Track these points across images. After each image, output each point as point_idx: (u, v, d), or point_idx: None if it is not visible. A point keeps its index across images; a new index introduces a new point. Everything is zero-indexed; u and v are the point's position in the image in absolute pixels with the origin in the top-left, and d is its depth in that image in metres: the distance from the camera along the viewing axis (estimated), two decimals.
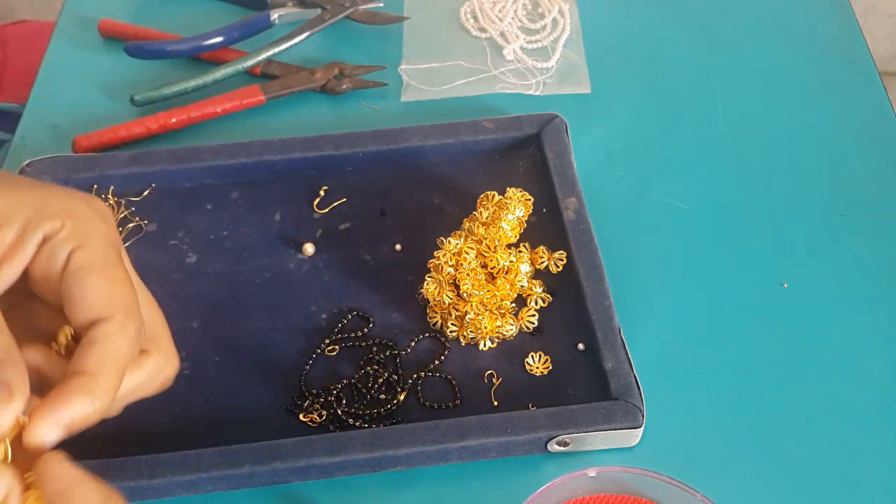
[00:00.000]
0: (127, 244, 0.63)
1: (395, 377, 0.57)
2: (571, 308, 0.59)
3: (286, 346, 0.58)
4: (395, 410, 0.55)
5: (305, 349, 0.58)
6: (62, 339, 0.40)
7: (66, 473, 0.35)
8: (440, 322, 0.59)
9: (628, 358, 0.55)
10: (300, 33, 0.74)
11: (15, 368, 0.35)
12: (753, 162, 0.68)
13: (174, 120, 0.70)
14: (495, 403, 0.56)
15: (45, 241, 0.39)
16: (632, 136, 0.70)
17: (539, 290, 0.60)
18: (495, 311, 0.58)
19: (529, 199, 0.61)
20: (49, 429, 0.35)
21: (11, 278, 0.39)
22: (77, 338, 0.38)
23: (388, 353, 0.58)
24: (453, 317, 0.58)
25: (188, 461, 0.51)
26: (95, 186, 0.66)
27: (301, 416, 0.55)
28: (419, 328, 0.59)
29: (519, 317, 0.59)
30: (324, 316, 0.60)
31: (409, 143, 0.66)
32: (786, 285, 0.61)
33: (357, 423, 0.55)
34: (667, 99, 0.73)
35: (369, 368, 0.57)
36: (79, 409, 0.36)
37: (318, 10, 0.77)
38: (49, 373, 0.39)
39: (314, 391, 0.56)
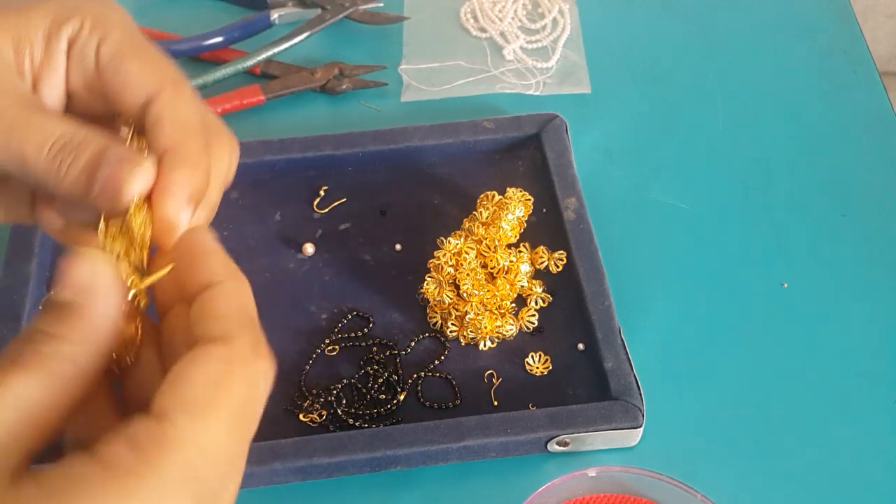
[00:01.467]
0: None
1: (395, 377, 0.57)
2: (571, 308, 0.59)
3: (286, 346, 0.58)
4: (395, 410, 0.55)
5: (305, 349, 0.58)
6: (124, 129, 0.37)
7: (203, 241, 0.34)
8: (440, 322, 0.59)
9: (628, 358, 0.55)
10: (300, 33, 0.74)
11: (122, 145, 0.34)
12: (753, 162, 0.68)
13: None
14: (495, 403, 0.56)
15: (70, 46, 0.37)
16: (632, 136, 0.70)
17: (539, 290, 0.60)
18: (495, 311, 0.58)
19: (529, 199, 0.61)
20: (178, 204, 0.34)
21: (59, 98, 0.38)
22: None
23: (388, 353, 0.58)
24: (453, 317, 0.58)
25: None
26: None
27: (301, 416, 0.55)
28: (419, 328, 0.59)
29: (519, 317, 0.59)
30: (324, 316, 0.60)
31: (409, 143, 0.66)
32: (786, 285, 0.61)
33: (357, 423, 0.55)
34: (667, 98, 0.73)
35: (369, 368, 0.57)
36: (189, 179, 0.34)
37: (318, 10, 0.77)
38: None
39: (314, 391, 0.56)
